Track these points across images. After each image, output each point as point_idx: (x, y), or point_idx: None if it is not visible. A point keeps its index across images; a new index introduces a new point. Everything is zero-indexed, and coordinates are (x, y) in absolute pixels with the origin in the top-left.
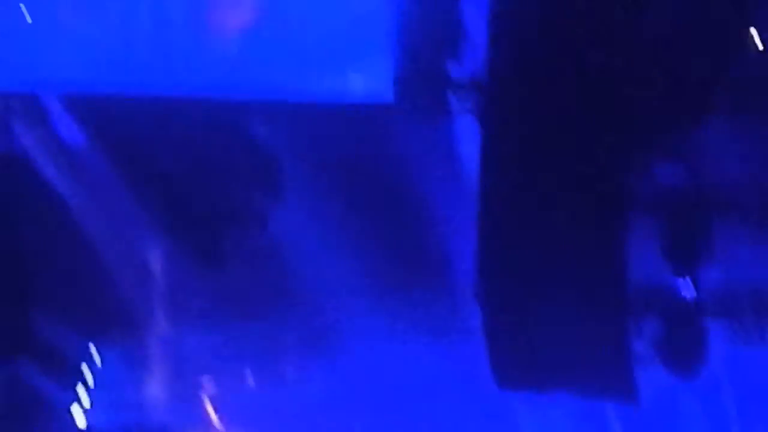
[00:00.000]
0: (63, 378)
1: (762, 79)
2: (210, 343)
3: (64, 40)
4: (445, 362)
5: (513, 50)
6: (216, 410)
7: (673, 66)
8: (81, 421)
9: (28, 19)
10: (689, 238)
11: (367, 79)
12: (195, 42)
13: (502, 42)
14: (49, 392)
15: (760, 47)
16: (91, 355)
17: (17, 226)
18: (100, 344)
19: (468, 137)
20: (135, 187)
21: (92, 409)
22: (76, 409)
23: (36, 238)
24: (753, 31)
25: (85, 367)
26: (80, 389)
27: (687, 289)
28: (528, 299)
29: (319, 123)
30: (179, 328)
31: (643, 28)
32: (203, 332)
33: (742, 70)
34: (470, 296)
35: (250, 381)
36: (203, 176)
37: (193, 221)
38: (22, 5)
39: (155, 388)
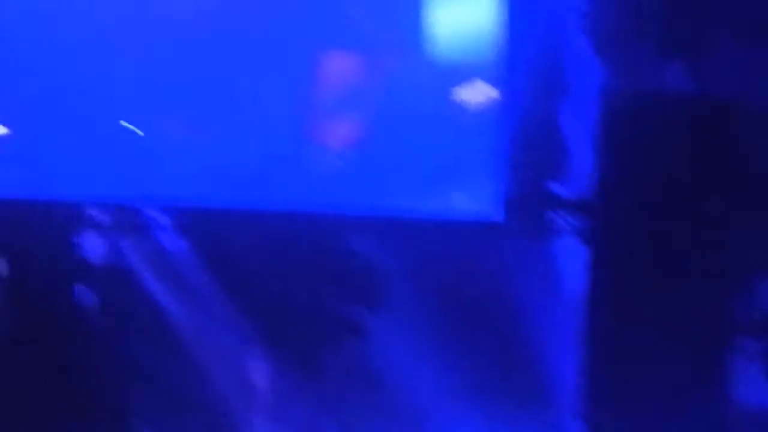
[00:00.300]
0: None
1: None
2: None
3: (169, 153)
4: None
5: (620, 169)
6: None
7: None
8: None
9: (140, 133)
10: None
11: (473, 197)
12: (299, 157)
13: (608, 160)
14: None
15: None
16: None
17: (121, 338)
18: None
19: (573, 256)
20: (237, 300)
21: None
22: None
23: (138, 350)
24: None
25: None
26: None
27: None
28: (634, 420)
29: (422, 239)
30: None
31: (759, 148)
32: None
33: None
34: (572, 417)
35: None
36: (305, 290)
37: (294, 334)
38: (122, 121)
39: None
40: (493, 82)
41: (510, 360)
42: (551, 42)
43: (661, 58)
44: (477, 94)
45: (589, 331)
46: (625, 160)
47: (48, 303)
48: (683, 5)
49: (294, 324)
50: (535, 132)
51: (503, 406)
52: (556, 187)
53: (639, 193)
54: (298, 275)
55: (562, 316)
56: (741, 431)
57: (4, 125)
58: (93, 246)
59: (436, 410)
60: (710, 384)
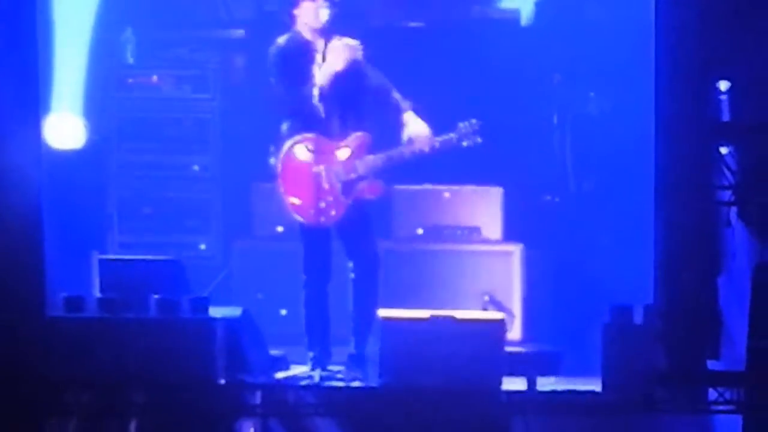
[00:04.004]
0: None
1: None
2: None
3: None
4: None
5: None
6: None
7: None
8: None
9: None
10: None
11: None
12: None
13: (762, 335)
14: None
15: None
16: None
17: None
18: None
19: (730, 429)
20: None
21: None
22: None
23: None
24: None
25: None
26: None
27: None
28: None
29: None
30: None
31: None
32: None
33: None
34: None
35: None
36: None
37: None
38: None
39: None
40: None
41: None
42: (708, 223)
43: None
44: None
45: None
46: None
47: None
48: None
49: None
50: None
51: None
52: (712, 364)
53: None
54: None
55: None
56: None
57: None
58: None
59: None
60: None
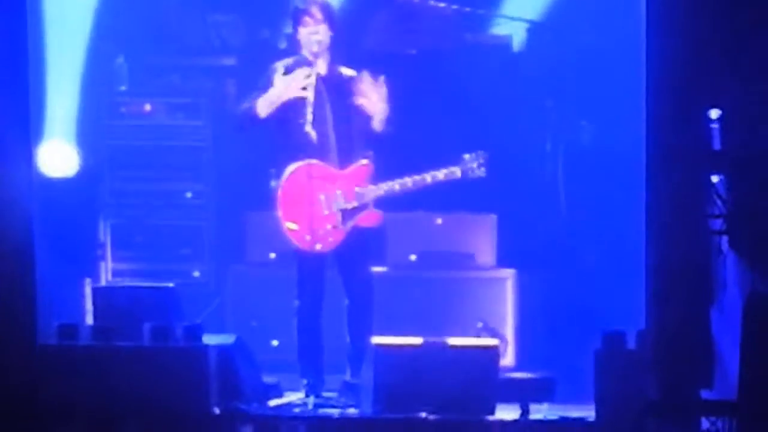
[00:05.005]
0: None
1: None
2: None
3: None
4: None
5: (766, 369)
6: None
7: None
8: None
9: None
10: None
11: None
12: None
13: (754, 365)
14: None
15: None
16: None
17: None
18: None
19: None
20: None
21: None
22: None
23: None
24: None
25: None
26: None
27: None
28: None
29: None
30: None
31: None
32: None
33: None
34: None
35: None
36: None
37: None
38: None
39: None
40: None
41: None
42: (699, 252)
43: None
44: None
45: None
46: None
47: None
48: None
49: None
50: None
51: None
52: (705, 393)
53: None
54: None
55: None
56: None
57: None
58: None
59: None
60: None
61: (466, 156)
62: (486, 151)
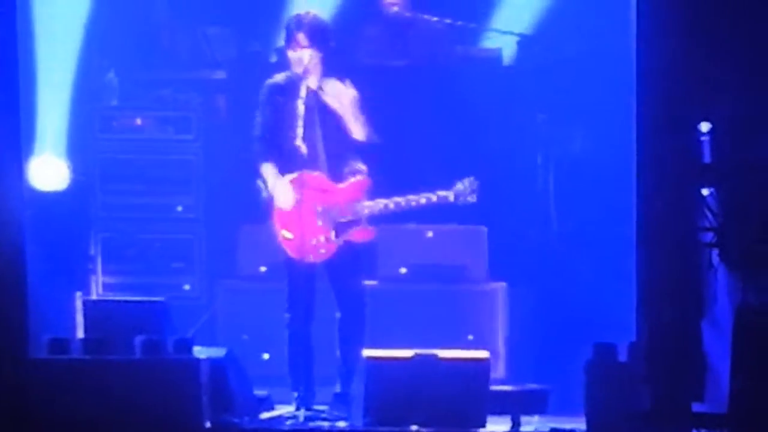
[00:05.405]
0: None
1: None
2: None
3: None
4: None
5: (756, 382)
6: None
7: None
8: None
9: None
10: None
11: None
12: None
13: (744, 377)
14: None
15: None
16: None
17: None
18: None
19: None
20: None
21: None
22: None
23: None
24: None
25: None
26: None
27: None
28: None
29: None
30: None
31: None
32: None
33: None
34: None
35: None
36: None
37: None
38: None
39: None
40: None
41: None
42: (690, 264)
43: None
44: None
45: None
46: (759, 374)
47: None
48: None
49: None
50: (676, 352)
51: None
52: (696, 405)
53: None
54: None
55: None
56: None
57: None
58: None
59: None
60: None
61: (459, 185)
62: (476, 160)
